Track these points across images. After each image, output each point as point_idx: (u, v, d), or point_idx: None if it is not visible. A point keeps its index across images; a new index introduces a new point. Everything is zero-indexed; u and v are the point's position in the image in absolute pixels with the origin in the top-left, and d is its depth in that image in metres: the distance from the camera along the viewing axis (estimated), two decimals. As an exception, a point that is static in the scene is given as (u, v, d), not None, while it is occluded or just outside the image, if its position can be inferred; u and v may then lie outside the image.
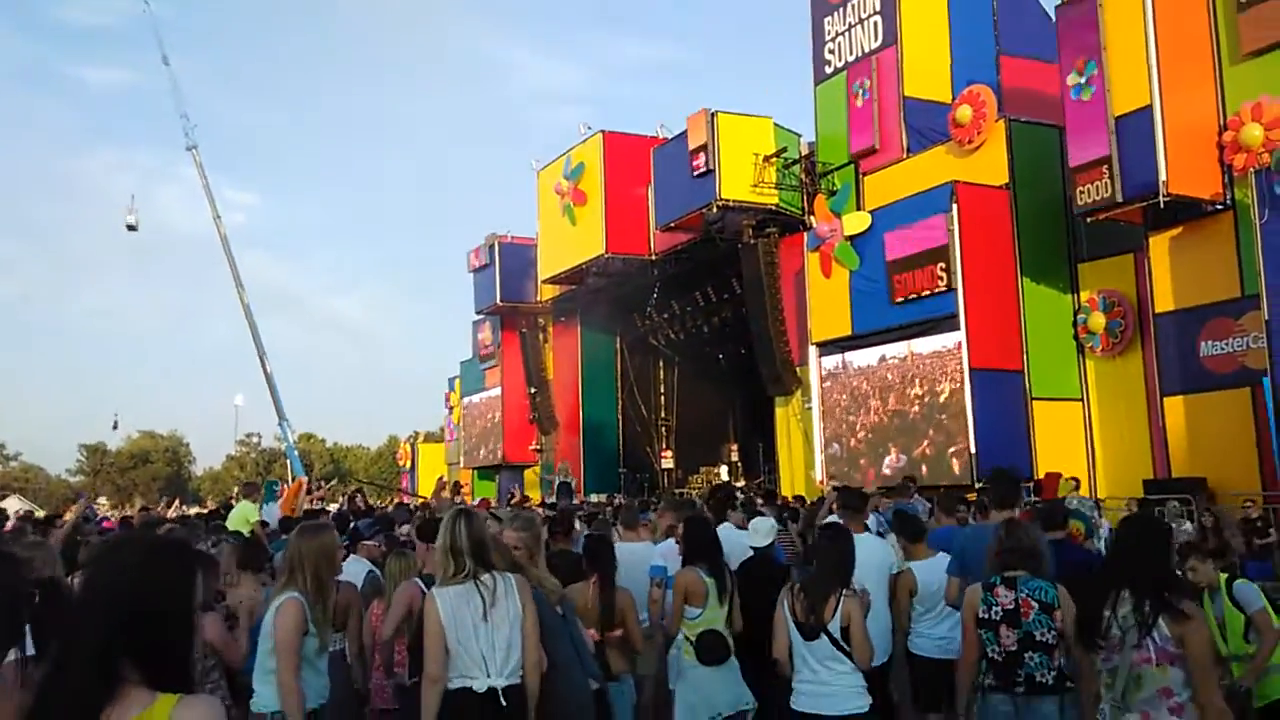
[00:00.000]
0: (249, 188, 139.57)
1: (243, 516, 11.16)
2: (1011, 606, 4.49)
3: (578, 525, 7.76)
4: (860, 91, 20.70)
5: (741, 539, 6.71)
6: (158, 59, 35.34)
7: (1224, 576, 4.99)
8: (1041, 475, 15.95)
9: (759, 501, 12.02)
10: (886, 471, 18.04)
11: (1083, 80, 15.58)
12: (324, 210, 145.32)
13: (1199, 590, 5.25)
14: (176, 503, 25.20)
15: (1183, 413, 15.98)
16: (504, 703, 4.01)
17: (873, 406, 18.89)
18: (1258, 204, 14.13)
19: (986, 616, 4.57)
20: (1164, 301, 16.30)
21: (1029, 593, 4.48)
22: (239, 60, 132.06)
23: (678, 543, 6.39)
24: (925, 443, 17.71)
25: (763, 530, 6.48)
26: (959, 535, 6.88)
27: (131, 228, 36.23)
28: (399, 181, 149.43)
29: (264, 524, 10.75)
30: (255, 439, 72.31)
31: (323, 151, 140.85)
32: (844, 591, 4.91)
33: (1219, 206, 15.43)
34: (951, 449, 17.10)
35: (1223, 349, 15.54)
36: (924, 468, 17.50)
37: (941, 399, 17.40)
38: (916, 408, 18.00)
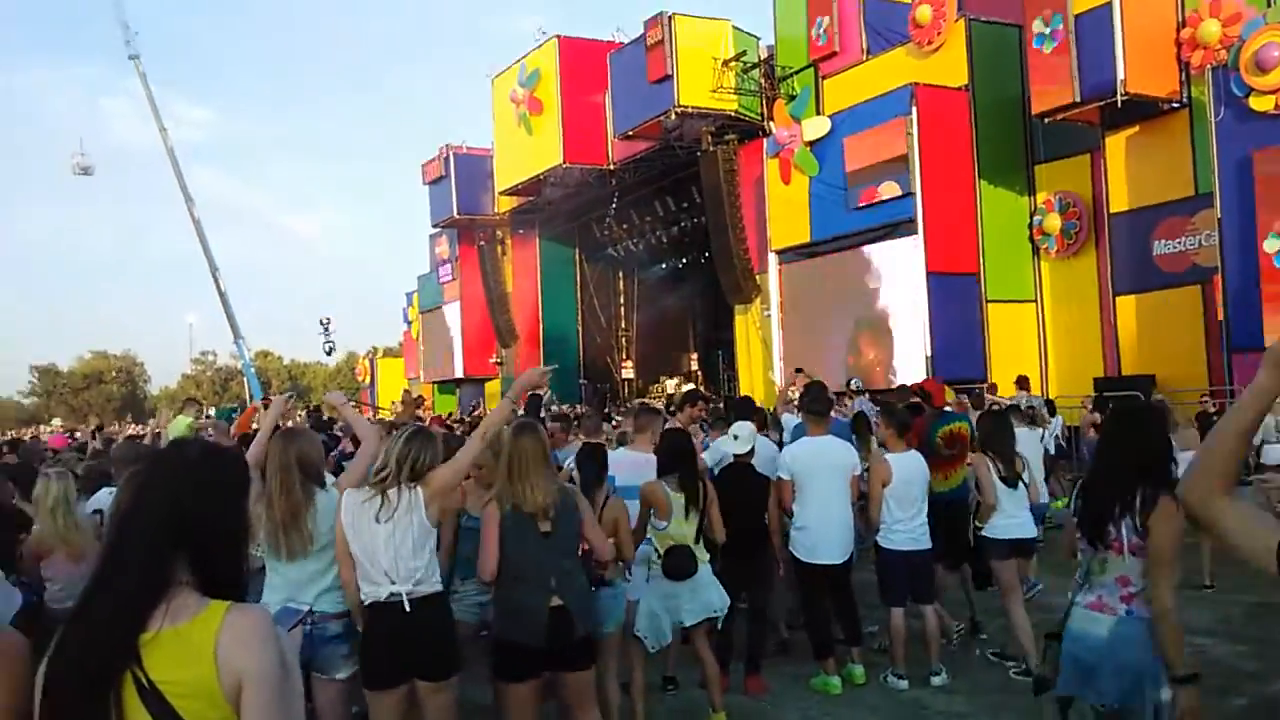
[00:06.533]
0: (205, 104, 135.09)
1: (185, 425, 10.76)
2: None
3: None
4: None
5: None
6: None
7: None
8: (991, 378, 16.13)
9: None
10: (844, 376, 18.22)
11: (1046, 31, 15.49)
12: (280, 126, 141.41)
13: None
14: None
15: (1134, 311, 16.26)
16: (408, 609, 3.87)
17: (831, 312, 18.96)
18: (1214, 102, 14.18)
19: None
20: (1119, 201, 16.43)
21: None
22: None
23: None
24: (881, 346, 17.88)
25: (743, 436, 6.32)
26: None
27: (83, 171, 35.17)
28: (356, 95, 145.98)
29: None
30: (210, 357, 71.31)
31: (278, 67, 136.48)
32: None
33: (1175, 105, 15.46)
34: (908, 352, 17.28)
35: (1175, 248, 15.74)
36: (880, 371, 17.71)
37: (898, 303, 17.51)
38: (874, 312, 18.11)
